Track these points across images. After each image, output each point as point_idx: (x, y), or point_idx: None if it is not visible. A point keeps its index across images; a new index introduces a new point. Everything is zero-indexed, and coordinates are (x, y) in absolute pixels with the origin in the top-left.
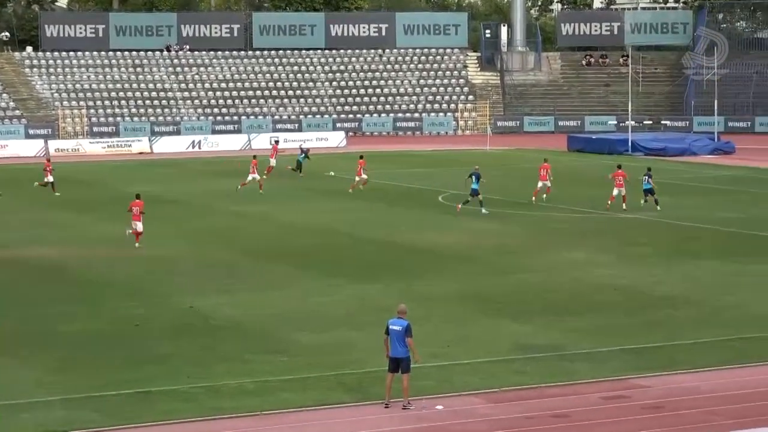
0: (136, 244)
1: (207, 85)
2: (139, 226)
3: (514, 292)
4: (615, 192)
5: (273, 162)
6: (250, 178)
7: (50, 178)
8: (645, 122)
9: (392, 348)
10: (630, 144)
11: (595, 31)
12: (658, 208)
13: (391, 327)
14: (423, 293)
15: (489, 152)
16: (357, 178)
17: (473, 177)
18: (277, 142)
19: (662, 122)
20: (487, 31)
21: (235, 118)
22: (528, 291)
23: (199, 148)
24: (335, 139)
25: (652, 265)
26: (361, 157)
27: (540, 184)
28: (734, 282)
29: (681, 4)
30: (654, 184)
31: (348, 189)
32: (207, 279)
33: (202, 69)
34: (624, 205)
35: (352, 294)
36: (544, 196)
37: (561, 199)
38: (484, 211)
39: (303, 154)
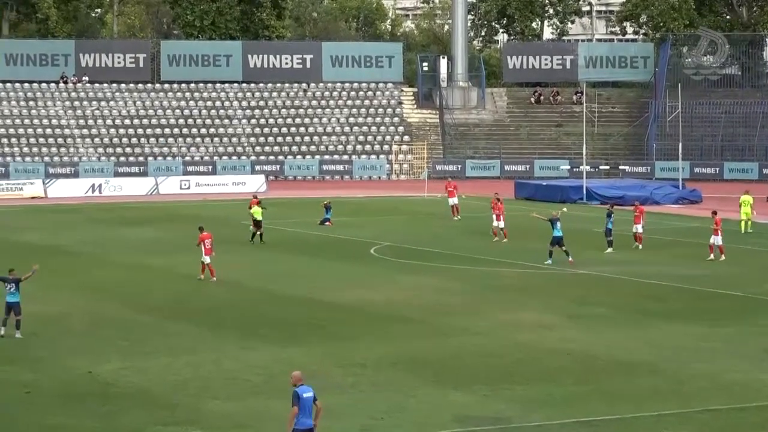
0: (214, 279)
1: (109, 122)
2: (207, 259)
3: (454, 356)
4: (712, 240)
5: (453, 200)
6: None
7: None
8: (601, 167)
9: (305, 419)
10: (585, 192)
11: (546, 65)
12: (608, 250)
13: (304, 395)
14: (351, 357)
15: (427, 200)
16: (496, 224)
17: (555, 223)
18: (453, 177)
19: (620, 167)
20: (425, 63)
21: (141, 159)
22: (469, 355)
23: (100, 192)
24: (254, 184)
25: (608, 327)
26: (498, 200)
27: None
28: (701, 347)
29: (641, 36)
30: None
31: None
32: (106, 340)
33: (103, 103)
34: (722, 256)
35: (270, 358)
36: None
37: (506, 253)
38: (570, 259)
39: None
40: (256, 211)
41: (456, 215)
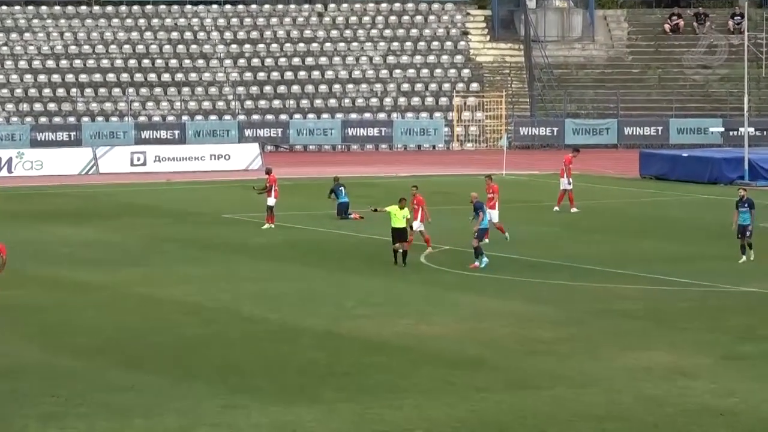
0: None
1: (22, 64)
2: None
3: (549, 418)
4: None
5: (565, 182)
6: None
7: (272, 201)
8: None
9: None
10: (747, 166)
11: None
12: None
13: None
14: (391, 420)
15: (506, 180)
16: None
17: (482, 209)
18: (577, 150)
19: None
20: None
21: (72, 120)
22: (572, 417)
23: (9, 170)
24: (243, 157)
25: None
26: None
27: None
28: None
29: None
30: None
31: None
32: (20, 396)
33: (13, 36)
34: None
35: (267, 421)
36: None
37: (624, 261)
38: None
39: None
40: (395, 215)
41: (564, 205)
